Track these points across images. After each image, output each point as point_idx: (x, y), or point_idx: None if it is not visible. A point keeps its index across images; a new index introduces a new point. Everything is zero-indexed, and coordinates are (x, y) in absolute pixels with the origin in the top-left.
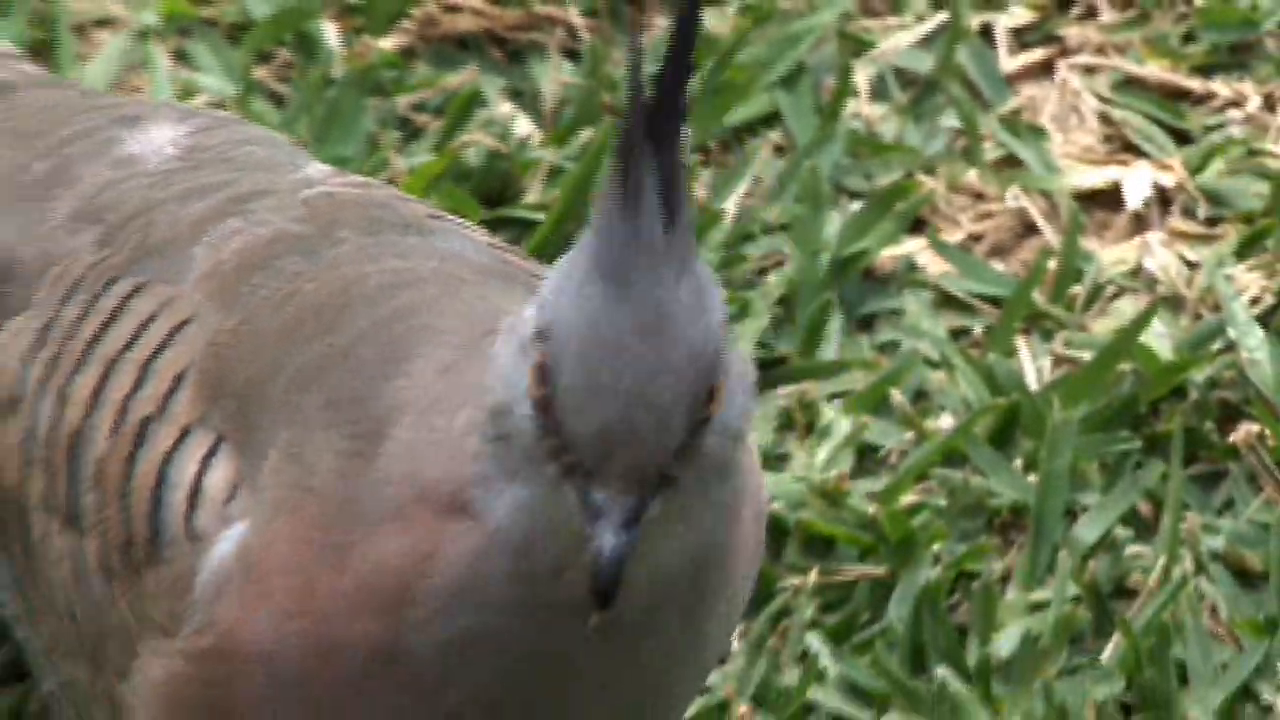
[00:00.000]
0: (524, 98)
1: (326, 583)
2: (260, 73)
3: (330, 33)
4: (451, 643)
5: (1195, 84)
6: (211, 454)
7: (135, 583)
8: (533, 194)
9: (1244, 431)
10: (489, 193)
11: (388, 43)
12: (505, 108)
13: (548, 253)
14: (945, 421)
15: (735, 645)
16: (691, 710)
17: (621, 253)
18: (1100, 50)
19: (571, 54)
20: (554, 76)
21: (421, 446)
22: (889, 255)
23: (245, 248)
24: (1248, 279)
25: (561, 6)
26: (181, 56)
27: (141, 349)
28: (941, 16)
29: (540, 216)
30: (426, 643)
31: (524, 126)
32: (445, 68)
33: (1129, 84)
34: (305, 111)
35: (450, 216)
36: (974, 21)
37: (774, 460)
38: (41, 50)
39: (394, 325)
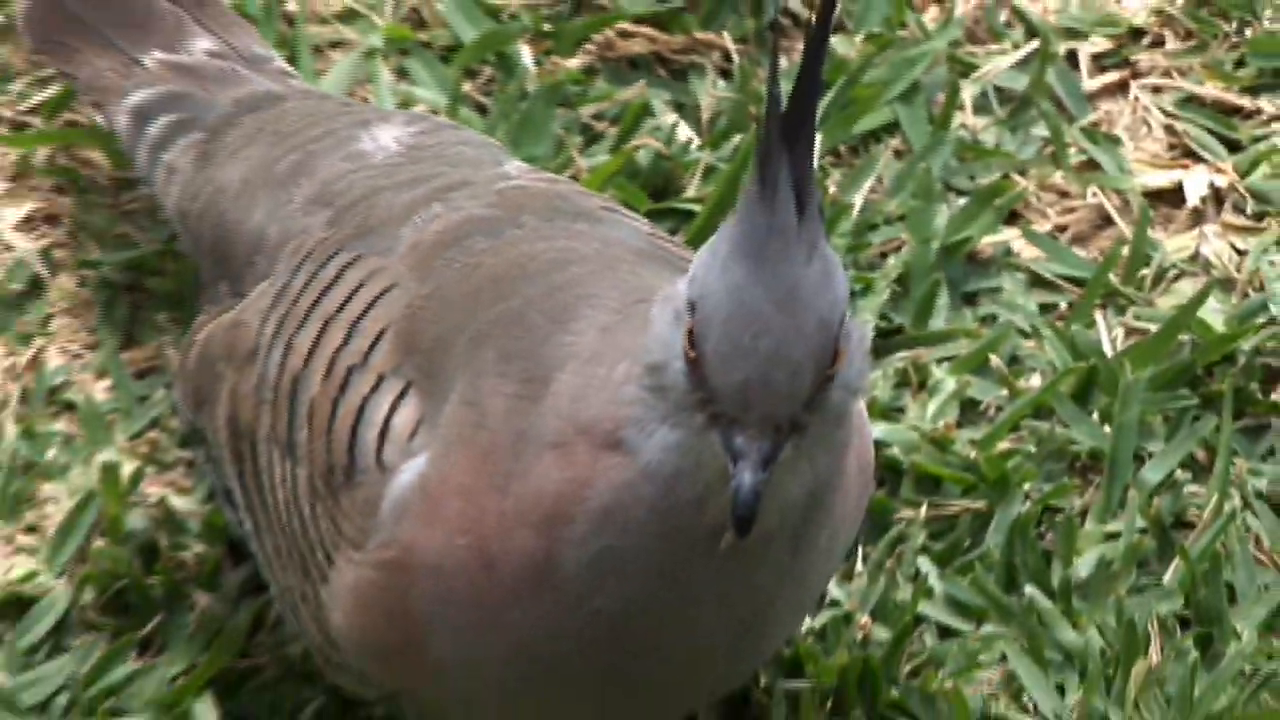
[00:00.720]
0: (685, 109)
1: (493, 505)
2: (467, 87)
3: (525, 54)
4: (599, 558)
5: (1245, 101)
6: (400, 398)
7: (334, 504)
8: (691, 189)
9: None
10: (655, 188)
11: (573, 62)
12: (670, 117)
13: (704, 238)
14: (1035, 381)
15: (859, 567)
16: (819, 620)
17: (760, 237)
18: (1166, 73)
19: (725, 73)
20: (710, 91)
21: (583, 391)
22: (989, 242)
23: (443, 228)
24: None
25: (718, 33)
26: (401, 73)
27: (351, 310)
28: (1034, 44)
29: (698, 208)
30: (577, 557)
31: (685, 133)
32: (620, 83)
33: (1190, 101)
34: (504, 120)
35: (621, 209)
36: (1061, 48)
37: (891, 412)
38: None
39: (561, 293)
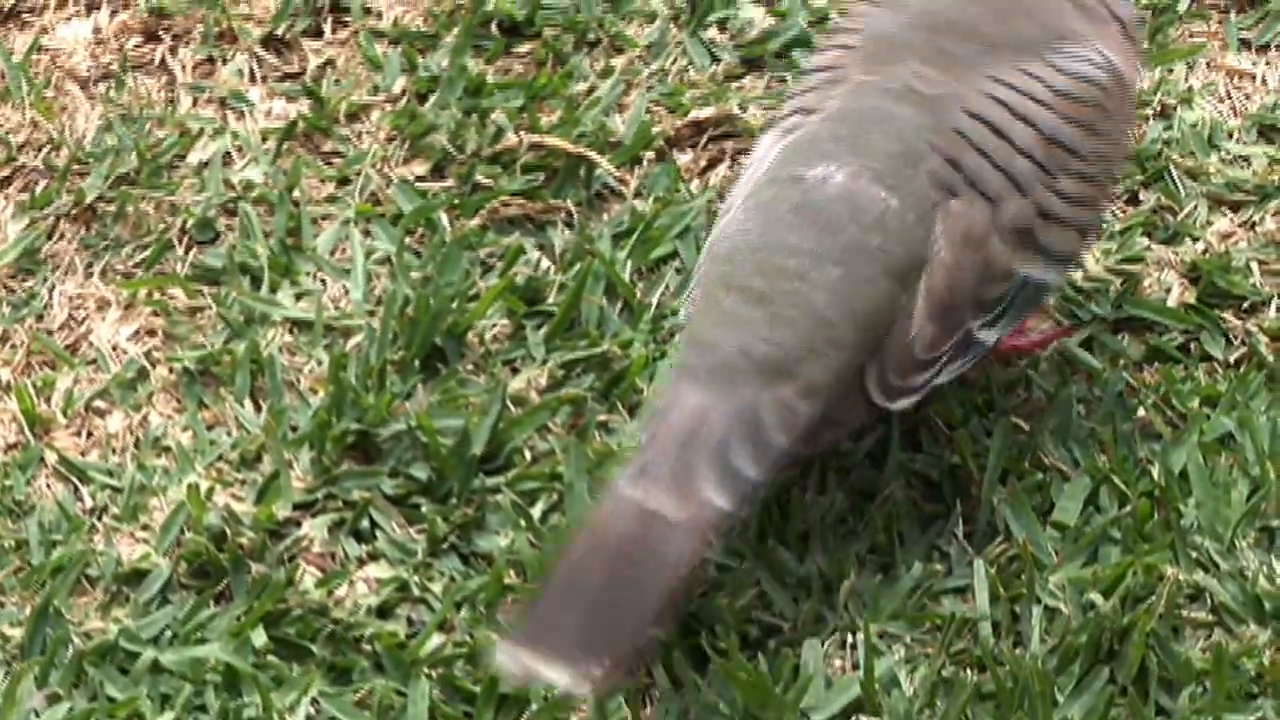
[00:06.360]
0: (545, 248)
1: None
2: (408, 241)
3: (444, 218)
4: None
5: None
6: None
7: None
8: (551, 299)
9: None
10: (528, 299)
11: (474, 222)
12: (536, 254)
13: (561, 333)
14: None
15: None
16: None
17: None
18: None
19: (569, 225)
20: (560, 237)
21: None
22: None
23: None
24: None
25: (563, 200)
26: (367, 233)
27: None
28: None
29: (556, 309)
30: None
31: (545, 263)
32: (504, 234)
33: None
34: (431, 260)
35: None
36: None
37: None
38: None
39: None
